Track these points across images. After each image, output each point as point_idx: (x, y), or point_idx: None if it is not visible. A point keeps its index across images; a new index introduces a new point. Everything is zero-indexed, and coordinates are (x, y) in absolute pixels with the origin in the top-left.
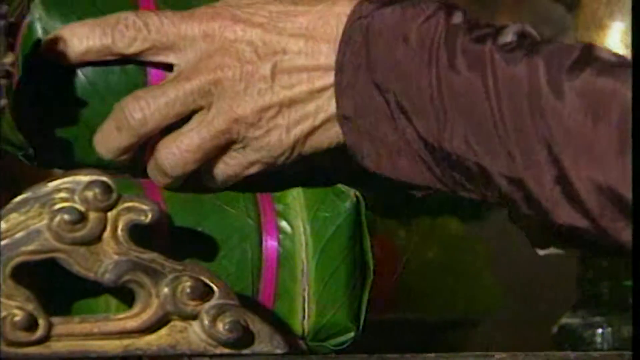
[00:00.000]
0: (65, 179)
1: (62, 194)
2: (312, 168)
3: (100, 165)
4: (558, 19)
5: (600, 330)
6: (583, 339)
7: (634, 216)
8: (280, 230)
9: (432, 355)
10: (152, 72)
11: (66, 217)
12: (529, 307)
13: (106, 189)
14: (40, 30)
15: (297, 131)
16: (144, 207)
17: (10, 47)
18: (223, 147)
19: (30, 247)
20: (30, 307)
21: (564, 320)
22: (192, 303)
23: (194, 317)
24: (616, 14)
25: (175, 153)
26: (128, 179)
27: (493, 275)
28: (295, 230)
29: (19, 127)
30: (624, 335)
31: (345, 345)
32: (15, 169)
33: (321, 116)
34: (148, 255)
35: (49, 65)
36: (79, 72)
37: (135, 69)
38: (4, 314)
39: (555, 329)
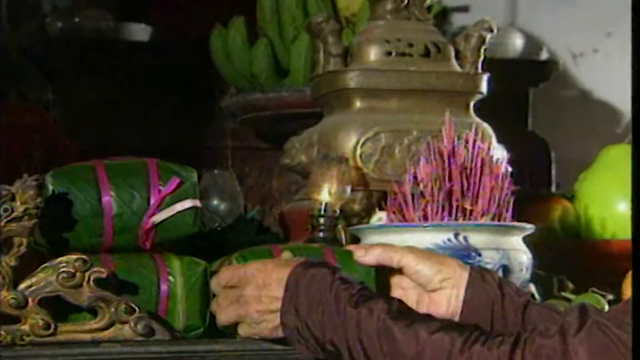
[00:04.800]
0: (64, 257)
1: (63, 264)
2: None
3: (82, 251)
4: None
5: None
6: None
7: (634, 217)
8: (169, 281)
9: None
10: (105, 204)
11: (65, 275)
12: None
13: (85, 261)
14: (50, 188)
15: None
16: (103, 270)
17: (39, 194)
18: None
19: (47, 289)
20: (47, 318)
21: None
22: (125, 316)
23: (126, 322)
24: (327, 181)
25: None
26: (96, 256)
27: None
28: (177, 280)
29: (43, 235)
30: None
31: (198, 335)
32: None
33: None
34: (105, 293)
35: (55, 206)
36: (70, 206)
37: (96, 203)
38: (33, 322)
39: None
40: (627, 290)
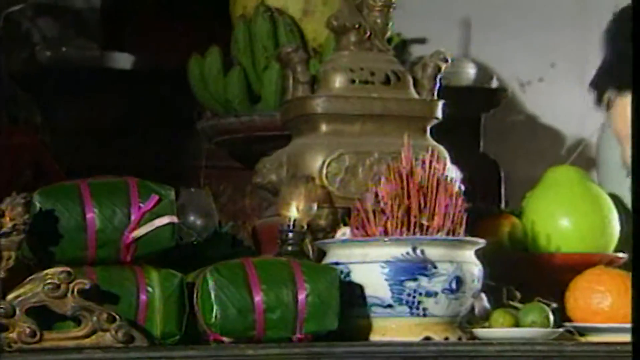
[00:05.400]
0: (50, 270)
1: (49, 276)
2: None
3: (67, 264)
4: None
5: None
6: None
7: (634, 217)
8: (148, 291)
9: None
10: (88, 220)
11: (50, 286)
12: None
13: (69, 273)
14: (37, 205)
15: None
16: (86, 281)
17: (27, 211)
18: None
19: (34, 300)
20: (33, 326)
21: None
22: (107, 324)
23: (108, 330)
24: (295, 199)
25: None
26: (80, 268)
27: None
28: (155, 291)
29: (30, 249)
30: None
31: (175, 342)
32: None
33: None
34: (87, 303)
35: (42, 222)
36: (55, 222)
37: (80, 219)
38: (21, 330)
39: None
40: (570, 300)
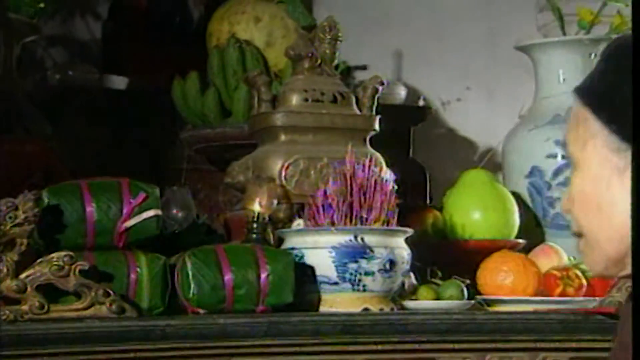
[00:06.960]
0: (56, 254)
1: (55, 258)
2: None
3: (70, 249)
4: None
5: None
6: None
7: (634, 217)
8: (137, 271)
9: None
10: (88, 213)
11: (56, 267)
12: None
13: (71, 257)
14: (45, 200)
15: None
16: (85, 263)
17: (37, 206)
18: None
19: (42, 278)
20: (42, 300)
21: None
22: (103, 298)
23: (104, 303)
24: (259, 196)
25: None
26: (80, 253)
27: None
28: (143, 270)
29: (39, 237)
30: None
31: (159, 313)
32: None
33: None
34: (87, 281)
35: (49, 214)
36: (60, 214)
37: (81, 212)
38: (31, 303)
39: None
40: (480, 277)
